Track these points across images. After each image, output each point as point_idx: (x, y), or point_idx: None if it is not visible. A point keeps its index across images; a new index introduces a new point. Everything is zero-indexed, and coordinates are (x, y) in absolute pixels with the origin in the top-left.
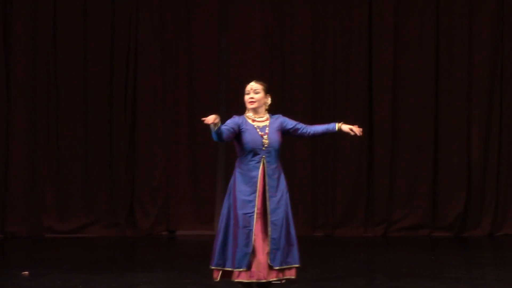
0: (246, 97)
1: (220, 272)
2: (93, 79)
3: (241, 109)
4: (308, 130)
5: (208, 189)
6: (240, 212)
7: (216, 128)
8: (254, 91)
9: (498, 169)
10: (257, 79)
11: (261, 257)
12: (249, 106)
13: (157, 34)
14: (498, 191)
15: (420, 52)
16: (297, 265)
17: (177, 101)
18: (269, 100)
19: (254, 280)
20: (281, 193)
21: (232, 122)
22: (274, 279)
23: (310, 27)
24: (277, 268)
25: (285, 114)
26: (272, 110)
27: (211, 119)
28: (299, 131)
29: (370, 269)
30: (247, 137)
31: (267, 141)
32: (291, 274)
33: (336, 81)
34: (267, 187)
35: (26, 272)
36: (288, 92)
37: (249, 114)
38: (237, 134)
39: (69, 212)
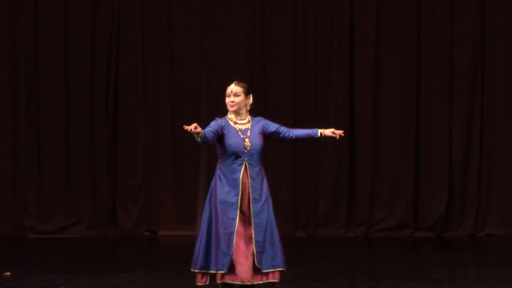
0: (227, 100)
1: (208, 276)
2: (74, 80)
3: (223, 109)
4: (290, 134)
5: (190, 190)
6: (222, 215)
7: (200, 138)
8: (235, 94)
9: (480, 169)
10: (239, 79)
11: (245, 260)
12: (229, 109)
13: (139, 35)
14: (480, 191)
15: (401, 54)
16: (282, 269)
17: (159, 101)
18: (250, 100)
19: (238, 282)
20: (265, 196)
21: (215, 124)
22: (259, 282)
23: (291, 27)
24: (264, 271)
25: (266, 114)
26: (253, 110)
27: (192, 127)
28: (281, 135)
29: (352, 269)
30: (229, 140)
31: (249, 144)
32: (274, 278)
33: (318, 81)
34: (251, 190)
35: (8, 273)
36: (270, 93)
37: (231, 116)
38: (220, 136)
39: (51, 212)
